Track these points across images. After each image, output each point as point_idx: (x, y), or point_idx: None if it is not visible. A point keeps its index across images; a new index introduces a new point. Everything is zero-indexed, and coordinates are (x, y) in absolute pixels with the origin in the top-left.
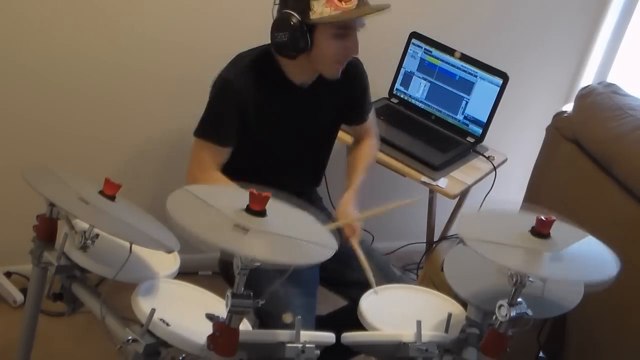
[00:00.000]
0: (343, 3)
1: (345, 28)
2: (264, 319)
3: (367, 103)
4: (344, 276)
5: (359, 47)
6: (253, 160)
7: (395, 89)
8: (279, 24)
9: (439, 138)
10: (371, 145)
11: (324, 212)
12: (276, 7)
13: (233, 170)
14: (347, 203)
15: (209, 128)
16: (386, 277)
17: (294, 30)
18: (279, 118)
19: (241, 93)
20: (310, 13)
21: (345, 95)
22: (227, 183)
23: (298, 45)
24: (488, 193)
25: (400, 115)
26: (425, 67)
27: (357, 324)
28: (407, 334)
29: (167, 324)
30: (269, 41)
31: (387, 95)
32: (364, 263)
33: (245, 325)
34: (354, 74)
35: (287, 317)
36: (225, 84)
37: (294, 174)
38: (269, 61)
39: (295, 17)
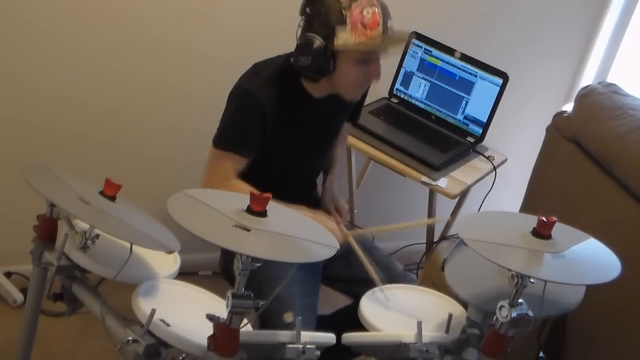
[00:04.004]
0: (368, 30)
1: (368, 54)
2: (265, 319)
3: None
4: (346, 274)
5: (380, 73)
6: (264, 167)
7: (395, 89)
8: (303, 47)
9: (439, 138)
10: (341, 153)
11: None
12: (300, 28)
13: (242, 177)
14: (331, 190)
15: (232, 139)
16: (388, 273)
17: (318, 55)
18: (296, 129)
19: (264, 105)
20: (335, 39)
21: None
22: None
23: (320, 70)
24: (488, 193)
25: (400, 115)
26: (425, 67)
27: (360, 324)
28: (407, 335)
29: (168, 325)
30: (279, 48)
31: (387, 95)
32: (363, 260)
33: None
34: None
35: (288, 317)
36: (249, 95)
37: (302, 178)
38: (289, 74)
39: (320, 42)
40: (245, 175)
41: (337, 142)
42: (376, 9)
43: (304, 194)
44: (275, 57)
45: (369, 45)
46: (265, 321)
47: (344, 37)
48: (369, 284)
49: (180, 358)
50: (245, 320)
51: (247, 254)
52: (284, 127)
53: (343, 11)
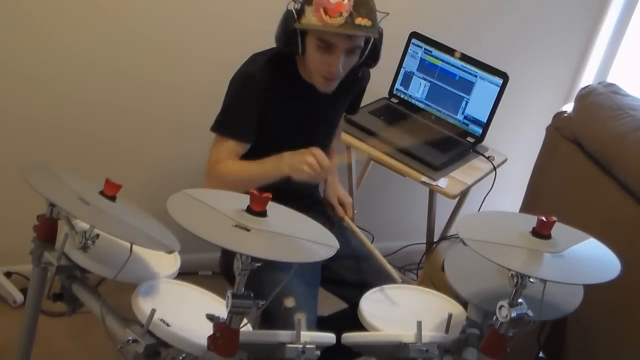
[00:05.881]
0: (328, 18)
1: (327, 43)
2: (266, 307)
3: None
4: (344, 278)
5: (339, 67)
6: (261, 153)
7: (395, 89)
8: (280, 21)
9: (439, 138)
10: (338, 147)
11: (325, 213)
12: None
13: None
14: (334, 183)
15: (231, 124)
16: (387, 278)
17: (286, 31)
18: (292, 114)
19: (263, 86)
20: (302, 18)
21: (353, 92)
22: (245, 165)
23: (287, 45)
24: (488, 193)
25: (400, 115)
26: (425, 67)
27: (358, 325)
28: (407, 335)
29: (168, 325)
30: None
31: (387, 95)
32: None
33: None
34: (364, 72)
35: (289, 302)
36: (248, 77)
37: None
38: (285, 60)
39: (292, 17)
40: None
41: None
42: (345, 0)
43: (302, 185)
44: (273, 47)
45: (323, 30)
46: (265, 310)
47: (308, 17)
48: (365, 290)
49: (180, 358)
50: (245, 320)
51: (247, 254)
52: (280, 111)
53: None
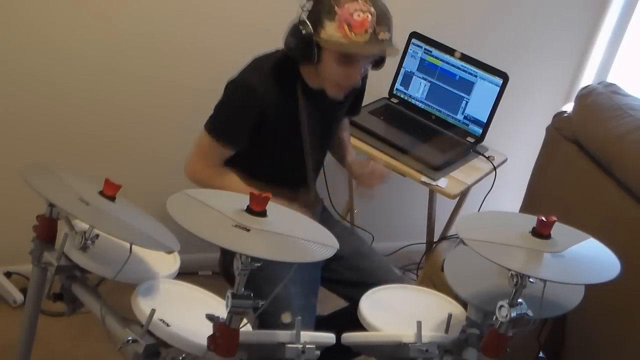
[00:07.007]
0: (353, 34)
1: (349, 57)
2: (263, 319)
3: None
4: (345, 276)
5: (360, 78)
6: (262, 158)
7: (395, 89)
8: (293, 30)
9: (439, 138)
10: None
11: (325, 213)
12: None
13: (240, 167)
14: (357, 159)
15: (223, 128)
16: (387, 277)
17: (301, 41)
18: (296, 122)
19: (264, 100)
20: (321, 31)
21: (355, 92)
22: (232, 179)
23: (303, 56)
24: (488, 193)
25: (400, 115)
26: (425, 67)
27: (358, 325)
28: (407, 335)
29: (167, 325)
30: (280, 45)
31: (387, 95)
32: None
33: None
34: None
35: (286, 317)
36: (248, 90)
37: (299, 172)
38: (288, 67)
39: (307, 28)
40: (243, 164)
41: (341, 130)
42: (368, 15)
43: (296, 184)
44: (275, 51)
45: (349, 47)
46: (263, 322)
47: (329, 32)
48: (366, 288)
49: (180, 358)
50: (245, 320)
51: (246, 254)
52: (283, 119)
53: (335, 6)
